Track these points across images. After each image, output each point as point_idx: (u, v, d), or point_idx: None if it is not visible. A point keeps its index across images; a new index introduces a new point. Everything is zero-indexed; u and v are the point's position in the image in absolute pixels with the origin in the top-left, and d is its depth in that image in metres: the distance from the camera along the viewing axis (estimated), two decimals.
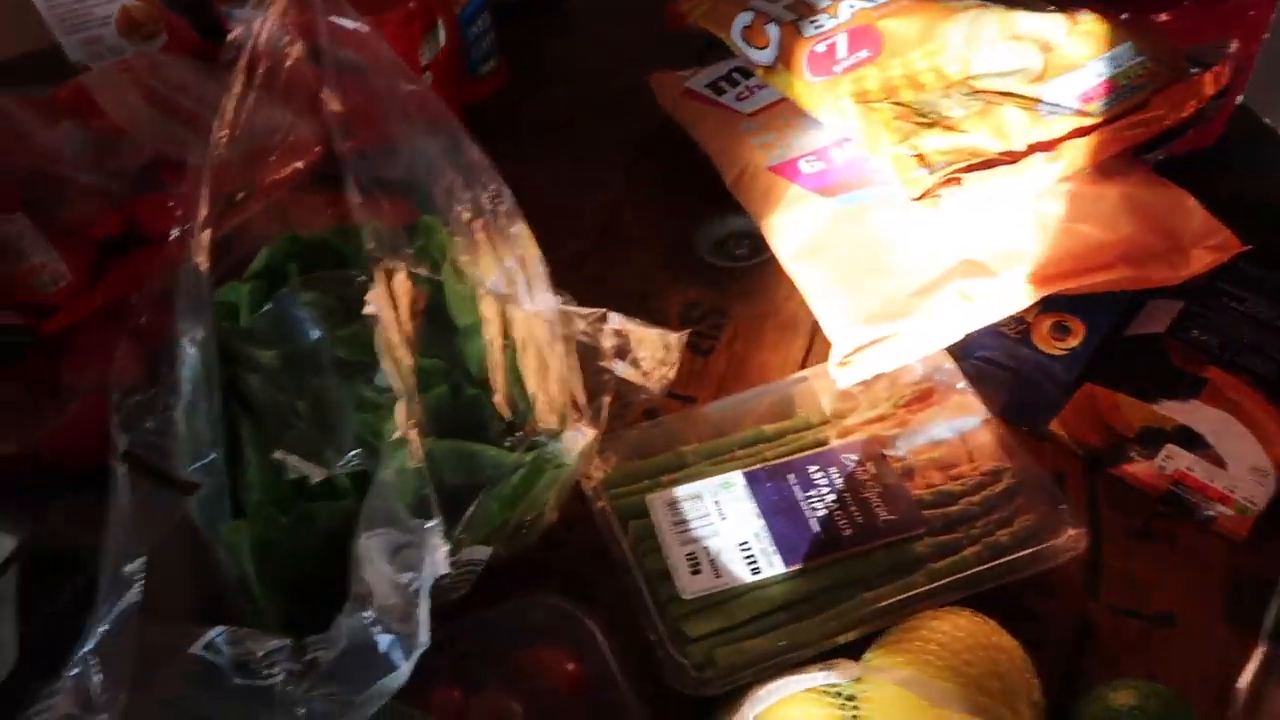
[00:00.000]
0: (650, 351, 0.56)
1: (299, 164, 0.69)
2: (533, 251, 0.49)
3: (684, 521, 0.51)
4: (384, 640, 0.37)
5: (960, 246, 0.59)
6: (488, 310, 0.45)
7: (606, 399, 0.53)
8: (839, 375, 0.58)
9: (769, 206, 0.65)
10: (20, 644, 0.44)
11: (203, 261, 0.49)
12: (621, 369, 0.54)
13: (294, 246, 0.53)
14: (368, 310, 0.45)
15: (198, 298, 0.48)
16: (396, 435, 0.42)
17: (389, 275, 0.46)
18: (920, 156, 0.58)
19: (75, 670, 0.40)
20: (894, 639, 0.46)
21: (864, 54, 0.63)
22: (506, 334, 0.46)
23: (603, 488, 0.54)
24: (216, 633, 0.40)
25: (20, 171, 0.64)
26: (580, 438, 0.48)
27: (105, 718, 0.38)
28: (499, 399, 0.44)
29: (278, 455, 0.43)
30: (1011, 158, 0.57)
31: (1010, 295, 0.57)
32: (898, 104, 0.61)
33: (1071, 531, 0.51)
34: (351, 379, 0.47)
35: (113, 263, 0.64)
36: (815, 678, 0.43)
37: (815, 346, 0.68)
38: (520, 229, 0.49)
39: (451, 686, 0.46)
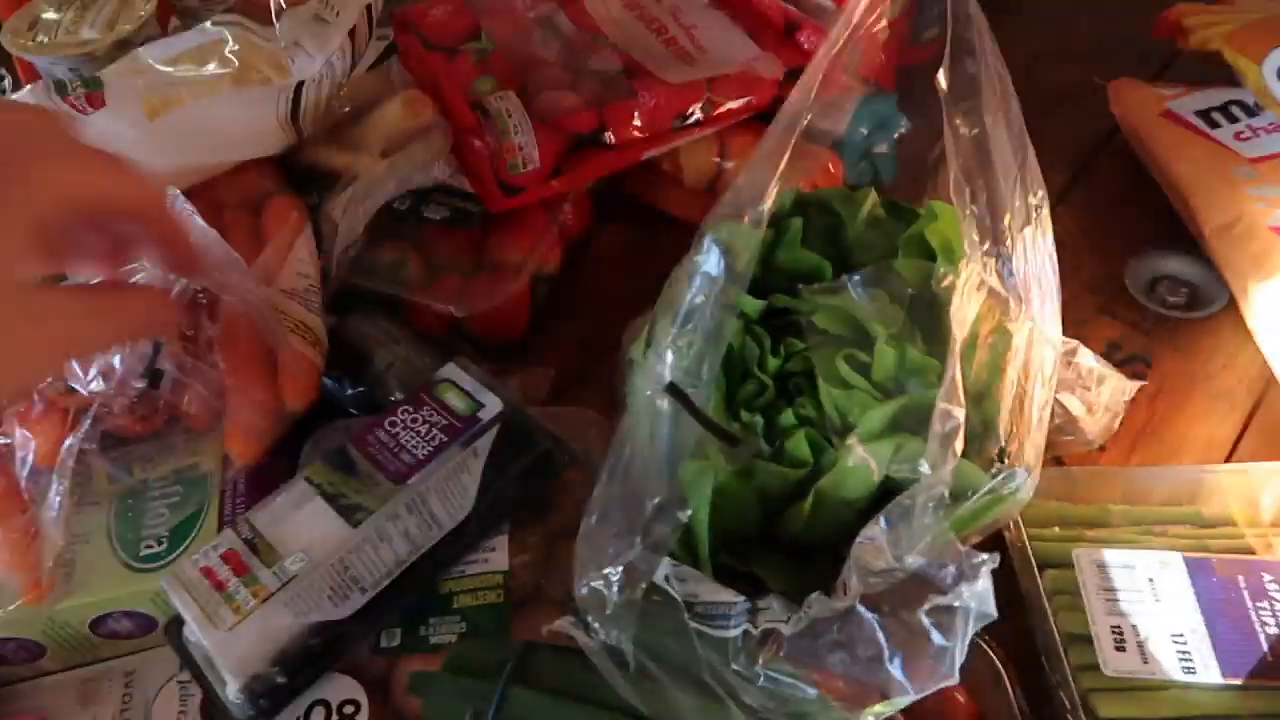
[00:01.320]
0: (1107, 396, 0.52)
1: (752, 99, 0.69)
2: (1050, 271, 0.46)
3: (1113, 590, 0.48)
4: (883, 638, 0.36)
5: None
6: (1010, 324, 0.43)
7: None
8: None
9: (1260, 270, 0.58)
10: (479, 496, 0.48)
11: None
12: (1076, 407, 0.51)
13: (799, 200, 0.53)
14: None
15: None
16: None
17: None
18: None
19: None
20: None
21: None
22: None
23: (1019, 522, 0.51)
24: (664, 568, 0.41)
25: (519, 52, 0.67)
26: (1035, 476, 0.45)
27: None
28: (1001, 423, 0.42)
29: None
30: None
31: None
32: None
33: None
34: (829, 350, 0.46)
35: (573, 158, 0.66)
36: None
37: (1251, 429, 0.61)
38: (1048, 240, 0.45)
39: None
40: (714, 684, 0.38)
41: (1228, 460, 0.60)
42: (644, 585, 0.39)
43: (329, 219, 0.64)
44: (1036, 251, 0.45)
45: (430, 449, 0.47)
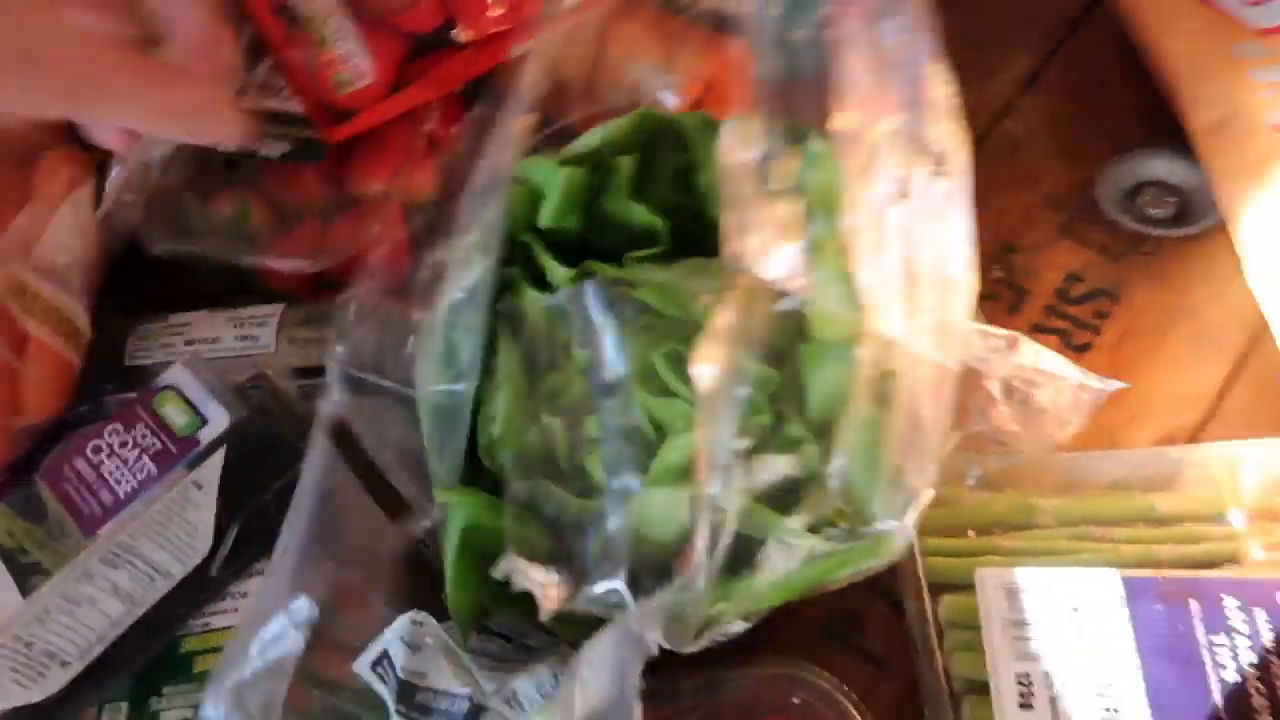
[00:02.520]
0: (1055, 399, 0.40)
1: None
2: (964, 248, 0.33)
3: (1023, 624, 0.37)
4: None
5: None
6: (870, 331, 0.31)
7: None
8: None
9: (1256, 179, 0.45)
10: (216, 534, 0.38)
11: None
12: (1006, 417, 0.39)
13: (642, 127, 0.40)
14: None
15: (496, 169, 0.36)
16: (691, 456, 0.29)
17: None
18: None
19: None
20: None
21: None
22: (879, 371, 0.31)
23: (913, 538, 0.40)
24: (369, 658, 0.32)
25: None
26: (909, 534, 0.34)
27: None
28: (838, 467, 0.30)
29: (502, 564, 0.32)
30: None
31: None
32: None
33: None
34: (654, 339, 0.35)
35: (419, 64, 0.53)
36: None
37: (1241, 380, 0.49)
38: (960, 211, 0.32)
39: None
40: None
41: (1209, 421, 0.48)
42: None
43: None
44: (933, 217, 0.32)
45: (134, 484, 0.37)
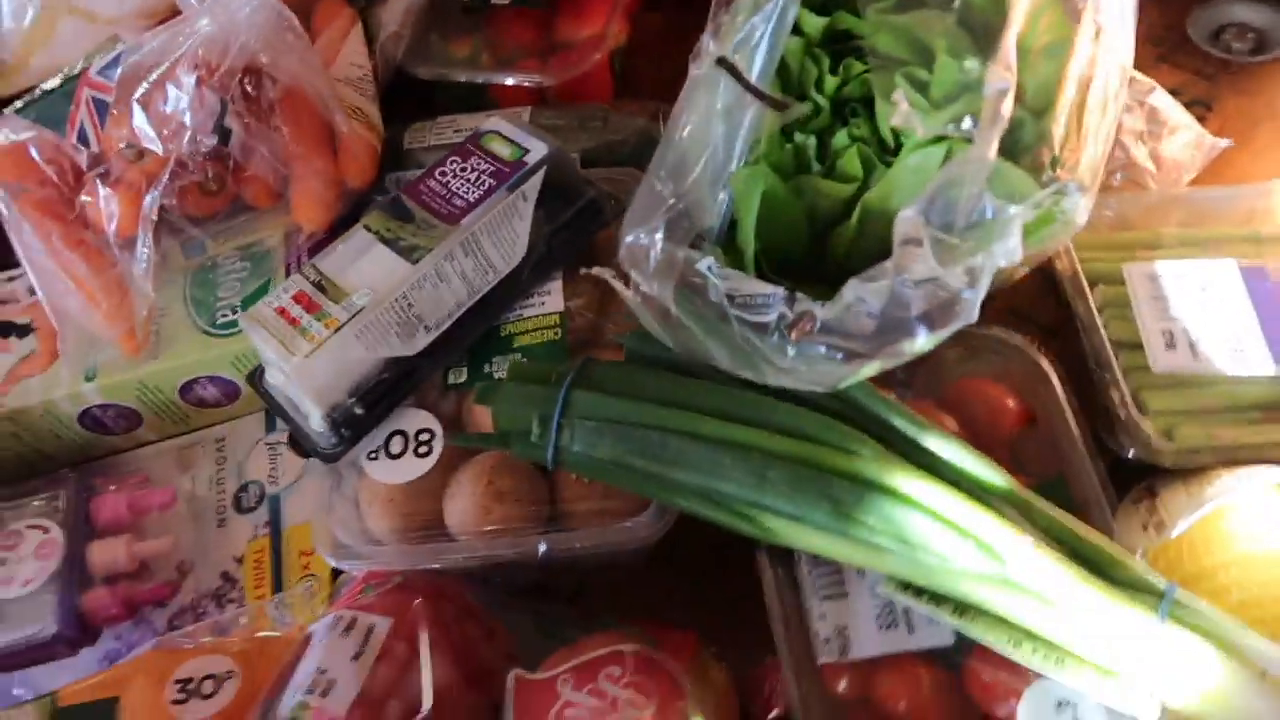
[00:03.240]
0: (1178, 148, 0.51)
1: None
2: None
3: (1164, 298, 0.48)
4: (917, 304, 0.37)
5: None
6: (1078, 35, 0.41)
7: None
8: None
9: None
10: (530, 241, 0.49)
11: None
12: (1141, 155, 0.50)
13: None
14: None
15: None
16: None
17: None
18: None
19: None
20: None
21: None
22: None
23: (1070, 247, 0.51)
24: (708, 261, 0.42)
25: None
26: (1089, 202, 0.45)
27: None
28: (1056, 129, 0.41)
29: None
30: None
31: None
32: None
33: None
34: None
35: None
36: None
37: None
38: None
39: (888, 387, 0.47)
40: (746, 348, 0.40)
41: None
42: (685, 255, 0.40)
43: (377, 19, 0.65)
44: None
45: (480, 193, 0.48)
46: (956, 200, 0.38)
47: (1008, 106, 0.38)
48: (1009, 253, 0.36)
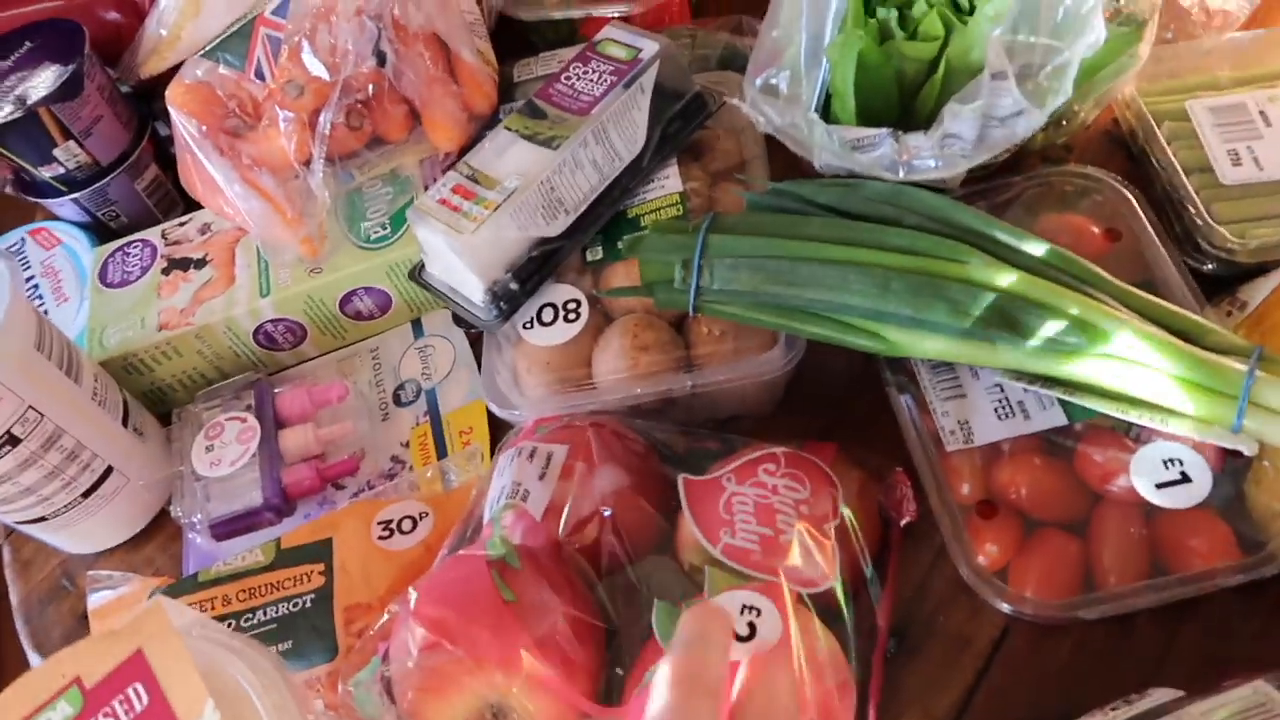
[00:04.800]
0: None
1: None
2: None
3: (1227, 125, 0.53)
4: (1010, 103, 0.43)
5: None
6: None
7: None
8: None
9: None
10: (648, 131, 0.56)
11: None
12: (1193, 5, 0.55)
13: None
14: None
15: None
16: None
17: None
18: None
19: None
20: None
21: None
22: None
23: (1135, 96, 0.56)
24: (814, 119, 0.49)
25: None
26: (1150, 32, 0.50)
27: None
28: None
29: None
30: None
31: None
32: None
33: None
34: None
35: None
36: None
37: None
38: None
39: None
40: None
41: None
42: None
43: None
44: None
45: (604, 88, 0.55)
46: (1038, 8, 0.44)
47: None
48: (1092, 45, 0.42)
